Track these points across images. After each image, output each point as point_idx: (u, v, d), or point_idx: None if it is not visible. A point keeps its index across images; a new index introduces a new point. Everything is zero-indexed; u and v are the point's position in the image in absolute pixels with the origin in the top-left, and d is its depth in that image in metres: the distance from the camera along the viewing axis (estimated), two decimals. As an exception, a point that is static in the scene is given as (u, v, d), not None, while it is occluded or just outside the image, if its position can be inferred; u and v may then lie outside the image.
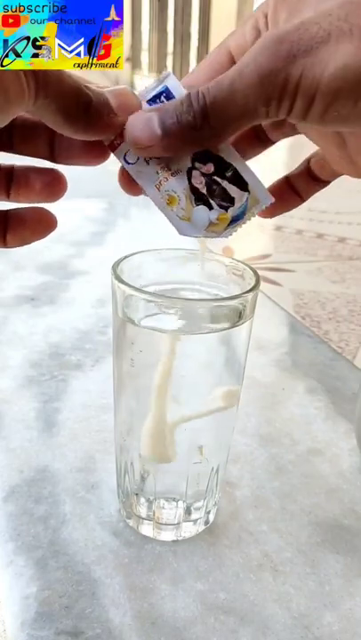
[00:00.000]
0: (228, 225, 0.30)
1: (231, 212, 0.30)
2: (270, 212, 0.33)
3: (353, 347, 1.54)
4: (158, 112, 0.27)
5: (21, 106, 0.24)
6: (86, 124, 0.26)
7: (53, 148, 0.29)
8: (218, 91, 0.26)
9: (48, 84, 0.24)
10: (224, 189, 0.29)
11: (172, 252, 0.37)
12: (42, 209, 0.30)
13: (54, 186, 0.30)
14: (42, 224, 0.30)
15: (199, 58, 5.42)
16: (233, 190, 0.29)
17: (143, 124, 0.27)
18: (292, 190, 0.34)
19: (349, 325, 1.65)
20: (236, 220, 0.30)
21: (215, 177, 0.29)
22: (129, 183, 0.30)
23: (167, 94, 0.28)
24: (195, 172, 0.29)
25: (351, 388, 0.56)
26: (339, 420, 0.51)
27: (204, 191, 0.29)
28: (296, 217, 2.53)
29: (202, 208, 0.30)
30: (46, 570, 0.35)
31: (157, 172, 0.29)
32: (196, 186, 0.29)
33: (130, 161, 0.29)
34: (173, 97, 0.28)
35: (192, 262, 0.37)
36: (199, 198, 0.29)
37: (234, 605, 0.34)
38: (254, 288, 0.33)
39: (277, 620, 0.33)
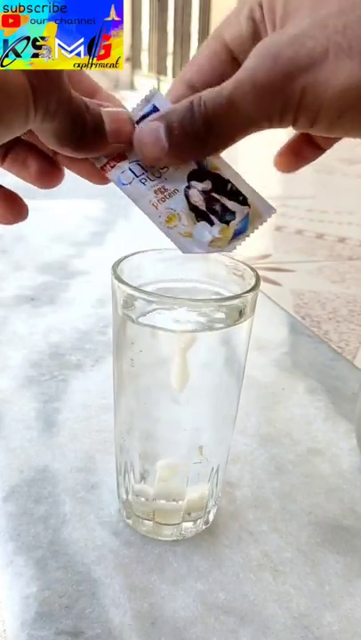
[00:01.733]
0: (232, 239, 0.30)
1: (233, 226, 0.29)
2: (290, 165, 0.32)
3: (353, 347, 1.54)
4: (164, 121, 0.27)
5: (19, 133, 0.24)
6: (76, 147, 0.26)
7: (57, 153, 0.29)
8: (218, 104, 0.26)
9: (57, 114, 0.24)
10: (224, 205, 0.29)
11: (171, 252, 0.37)
12: (12, 193, 0.29)
13: (49, 175, 0.29)
14: (8, 209, 0.29)
15: (199, 58, 5.42)
16: (233, 205, 0.29)
17: (151, 136, 0.27)
18: (311, 142, 0.32)
19: (349, 325, 1.65)
20: (239, 234, 0.30)
21: (213, 194, 0.29)
22: (97, 174, 0.29)
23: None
24: (192, 191, 0.29)
25: (351, 387, 0.56)
26: (339, 420, 0.51)
27: (204, 208, 0.29)
28: (296, 217, 2.53)
29: (203, 224, 0.29)
30: (46, 570, 0.35)
31: (155, 193, 0.29)
32: (195, 204, 0.29)
33: (125, 182, 0.29)
34: None
35: (192, 262, 0.37)
36: (200, 215, 0.29)
37: (234, 605, 0.34)
38: (254, 288, 0.33)
39: (277, 619, 0.33)
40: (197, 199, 0.29)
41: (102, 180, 0.29)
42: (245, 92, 0.25)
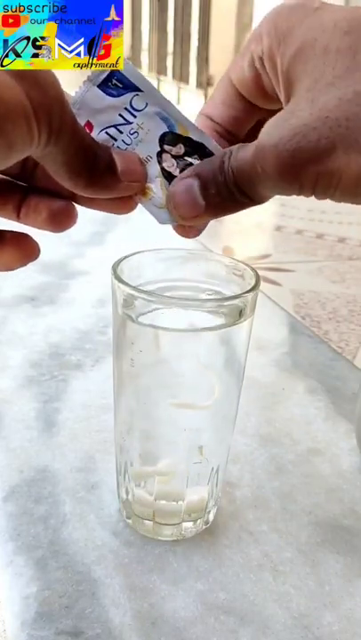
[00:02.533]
0: None
1: None
2: None
3: (353, 347, 1.54)
4: (198, 179, 0.27)
5: (25, 152, 0.23)
6: (88, 182, 0.26)
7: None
8: (244, 174, 0.26)
9: (62, 135, 0.24)
10: None
11: (171, 252, 0.37)
12: (23, 235, 0.29)
13: (61, 217, 0.29)
14: (20, 251, 0.29)
15: (199, 58, 5.43)
16: None
17: (186, 196, 0.27)
18: None
19: (349, 325, 1.65)
20: None
21: (186, 157, 0.28)
22: (121, 205, 0.29)
23: (118, 76, 0.27)
24: (165, 155, 0.28)
25: (351, 388, 0.56)
26: (339, 420, 0.51)
27: (177, 173, 0.28)
28: (296, 217, 2.53)
29: None
30: (46, 570, 0.35)
31: None
32: (169, 169, 0.28)
33: None
34: (127, 79, 0.27)
35: (192, 262, 0.37)
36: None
37: (234, 605, 0.34)
38: (254, 288, 0.33)
39: (277, 619, 0.33)
40: (170, 164, 0.28)
41: (128, 208, 0.29)
42: (263, 171, 0.25)
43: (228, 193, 0.27)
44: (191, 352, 0.34)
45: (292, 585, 0.36)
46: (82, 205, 0.29)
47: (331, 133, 0.24)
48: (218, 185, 0.27)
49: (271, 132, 0.25)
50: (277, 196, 0.27)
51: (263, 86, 0.28)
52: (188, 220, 0.28)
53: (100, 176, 0.26)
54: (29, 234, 0.29)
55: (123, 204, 0.29)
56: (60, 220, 0.29)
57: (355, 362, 1.43)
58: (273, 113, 0.29)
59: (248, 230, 2.38)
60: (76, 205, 0.29)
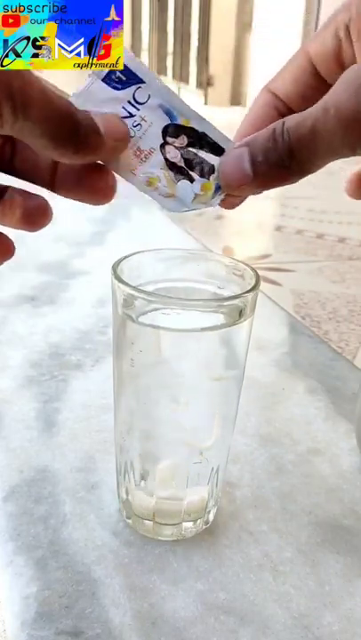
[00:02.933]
0: (214, 192, 0.30)
1: (213, 179, 0.29)
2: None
3: (353, 347, 1.54)
4: (248, 150, 0.27)
5: None
6: (76, 148, 0.25)
7: (55, 175, 0.28)
8: (301, 133, 0.26)
9: (29, 107, 0.23)
10: (202, 159, 0.29)
11: (171, 252, 0.37)
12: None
13: (36, 215, 0.28)
14: None
15: (199, 58, 5.43)
16: (211, 158, 0.29)
17: (235, 165, 0.28)
18: None
19: (349, 325, 1.65)
20: (220, 187, 0.30)
21: (190, 148, 0.29)
22: (99, 193, 0.29)
23: (122, 69, 0.27)
24: (168, 147, 0.28)
25: (351, 387, 0.56)
26: (339, 420, 0.51)
27: (182, 164, 0.29)
28: (296, 217, 2.53)
29: (184, 182, 0.29)
30: (46, 570, 0.35)
31: (131, 157, 0.28)
32: (173, 160, 0.29)
33: None
34: (130, 72, 0.27)
35: (192, 262, 0.37)
36: (179, 172, 0.29)
37: (234, 605, 0.34)
38: (254, 288, 0.33)
39: (277, 619, 0.33)
40: (174, 155, 0.29)
41: (107, 198, 0.29)
42: (329, 122, 0.25)
43: (278, 159, 0.26)
44: (191, 352, 0.34)
45: (292, 585, 0.36)
46: (60, 194, 0.29)
47: None
48: (267, 152, 0.27)
49: (355, 72, 0.25)
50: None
51: (342, 57, 0.29)
52: (235, 190, 0.29)
53: (85, 140, 0.26)
54: (4, 232, 0.29)
55: (102, 192, 0.28)
56: (35, 219, 0.29)
57: (355, 362, 1.43)
58: None
59: (248, 230, 2.38)
60: (52, 207, 0.29)
